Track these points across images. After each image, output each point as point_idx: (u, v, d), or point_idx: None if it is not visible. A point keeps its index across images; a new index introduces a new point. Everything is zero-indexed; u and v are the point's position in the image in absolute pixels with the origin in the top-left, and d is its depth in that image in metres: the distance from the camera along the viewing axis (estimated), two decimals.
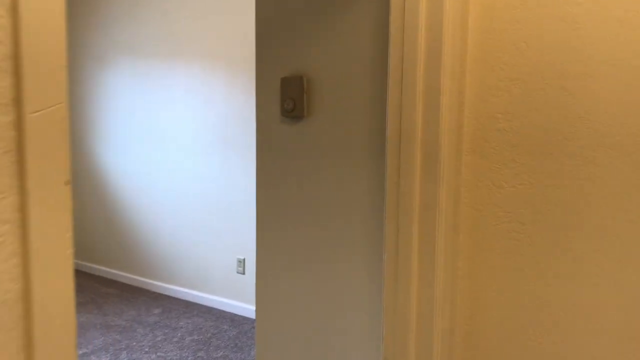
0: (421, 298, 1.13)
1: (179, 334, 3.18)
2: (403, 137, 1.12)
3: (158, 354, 2.90)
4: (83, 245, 4.49)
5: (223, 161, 3.55)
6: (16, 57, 0.42)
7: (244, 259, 3.50)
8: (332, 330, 1.33)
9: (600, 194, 1.00)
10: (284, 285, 1.41)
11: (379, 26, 1.18)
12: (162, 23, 3.78)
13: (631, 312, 0.99)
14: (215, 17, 3.49)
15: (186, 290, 3.80)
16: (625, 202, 0.98)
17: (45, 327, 0.47)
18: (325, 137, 1.29)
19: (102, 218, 4.32)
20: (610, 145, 0.98)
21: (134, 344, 3.02)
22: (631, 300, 0.99)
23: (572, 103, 1.01)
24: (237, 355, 2.92)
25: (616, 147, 0.98)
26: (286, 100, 1.33)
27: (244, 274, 3.51)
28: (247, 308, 3.48)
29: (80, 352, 2.91)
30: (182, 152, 3.76)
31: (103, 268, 4.35)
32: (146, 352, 2.91)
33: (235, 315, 3.51)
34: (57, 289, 0.45)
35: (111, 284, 4.15)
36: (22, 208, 0.43)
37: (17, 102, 0.42)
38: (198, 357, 2.88)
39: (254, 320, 3.41)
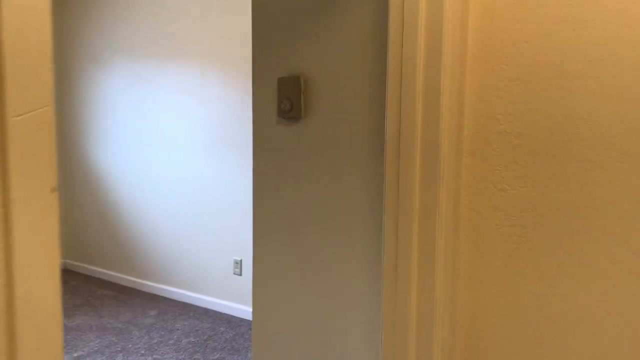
0: (421, 301, 1.11)
1: (175, 336, 3.15)
2: (402, 138, 1.10)
3: (154, 356, 2.88)
4: (78, 246, 4.46)
5: (220, 162, 3.53)
6: None
7: (240, 260, 3.48)
8: (330, 332, 1.31)
9: (605, 197, 0.98)
10: (281, 287, 1.39)
11: (378, 26, 1.16)
12: (159, 23, 3.75)
13: (637, 318, 0.97)
14: (213, 17, 3.47)
15: (182, 291, 3.78)
16: (631, 205, 0.96)
17: (32, 338, 0.45)
18: (322, 138, 1.27)
19: (97, 219, 4.29)
20: (615, 147, 0.97)
21: (130, 346, 3.00)
22: (637, 306, 0.97)
23: (575, 104, 0.99)
24: (234, 357, 2.90)
25: (621, 150, 0.96)
26: (283, 101, 1.31)
27: (240, 275, 3.49)
28: (244, 309, 3.45)
29: (76, 354, 2.88)
30: (178, 152, 3.74)
31: (99, 269, 4.32)
32: (142, 355, 2.89)
33: (232, 316, 3.49)
34: (43, 307, 0.43)
35: (107, 285, 4.12)
36: (5, 218, 0.40)
37: None
38: (194, 359, 2.86)
39: (251, 322, 3.39)
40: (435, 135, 1.06)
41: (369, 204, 1.22)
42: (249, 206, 3.39)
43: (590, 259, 1.00)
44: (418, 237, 1.10)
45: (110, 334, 3.16)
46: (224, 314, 3.53)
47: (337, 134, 1.25)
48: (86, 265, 4.42)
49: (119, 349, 2.96)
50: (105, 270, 4.28)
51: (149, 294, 3.93)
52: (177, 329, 3.26)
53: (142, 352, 2.93)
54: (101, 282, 4.20)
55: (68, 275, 4.35)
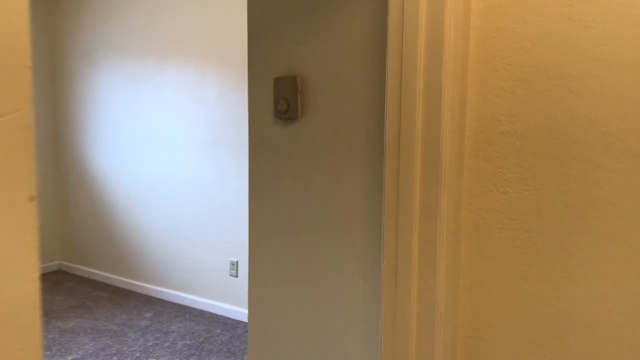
0: (421, 302, 1.08)
1: (171, 339, 3.12)
2: (402, 139, 1.07)
3: (149, 359, 2.84)
4: (73, 247, 4.41)
5: (215, 162, 3.49)
6: None
7: (236, 262, 3.45)
8: (329, 334, 1.28)
9: (605, 197, 0.96)
10: (278, 289, 1.36)
11: (377, 25, 1.13)
12: (152, 22, 3.71)
13: (637, 318, 0.95)
14: (208, 15, 3.43)
15: (178, 293, 3.74)
16: (631, 205, 0.94)
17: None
18: (320, 139, 1.24)
19: (92, 220, 4.24)
20: (620, 149, 0.94)
21: (125, 349, 2.96)
22: (637, 306, 0.95)
23: (580, 105, 0.97)
24: None
25: (621, 149, 0.94)
26: (279, 101, 1.28)
27: (236, 276, 3.45)
28: (240, 311, 3.42)
29: (70, 357, 2.84)
30: (174, 153, 3.70)
31: (94, 271, 4.27)
32: (137, 357, 2.85)
33: (228, 318, 3.45)
34: (19, 327, 0.40)
35: (102, 287, 4.08)
36: None
37: None
38: None
39: (247, 324, 3.35)
40: (436, 135, 1.03)
41: (367, 206, 1.19)
42: (245, 207, 3.36)
43: (590, 259, 0.98)
44: (418, 237, 1.07)
45: (105, 337, 3.12)
46: (220, 316, 3.50)
47: (334, 134, 1.22)
48: (81, 267, 4.37)
49: (114, 351, 2.92)
50: (100, 272, 4.23)
51: (145, 295, 3.89)
52: (173, 331, 3.23)
53: (137, 354, 2.89)
54: (96, 283, 4.16)
55: (63, 277, 4.31)
